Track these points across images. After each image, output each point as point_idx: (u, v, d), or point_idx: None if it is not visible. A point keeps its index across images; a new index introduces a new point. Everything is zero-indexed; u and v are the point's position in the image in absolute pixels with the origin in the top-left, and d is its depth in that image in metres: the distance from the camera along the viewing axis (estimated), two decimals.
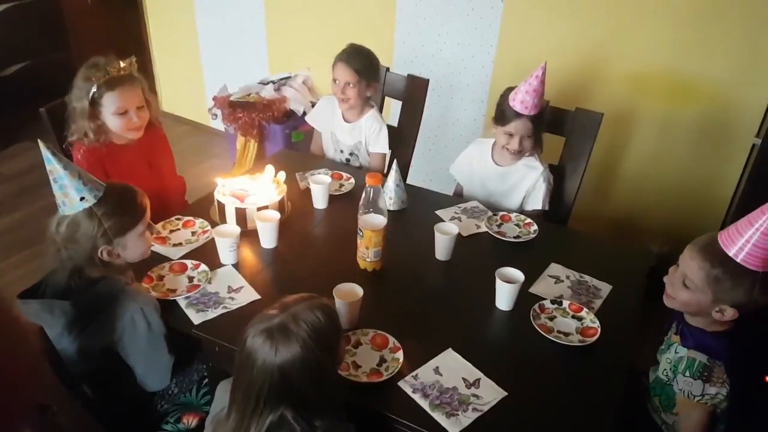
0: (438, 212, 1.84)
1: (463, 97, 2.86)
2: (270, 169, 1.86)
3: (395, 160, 1.85)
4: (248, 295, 1.46)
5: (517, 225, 1.77)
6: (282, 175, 1.85)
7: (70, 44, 4.05)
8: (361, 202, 1.52)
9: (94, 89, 1.71)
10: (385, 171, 2.25)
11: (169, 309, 1.40)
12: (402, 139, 2.26)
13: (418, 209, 1.88)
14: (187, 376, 1.48)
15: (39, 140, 1.24)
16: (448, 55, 2.82)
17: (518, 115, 1.83)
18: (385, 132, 2.18)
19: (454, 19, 2.73)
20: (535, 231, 1.72)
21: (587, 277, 1.54)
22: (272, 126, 3.14)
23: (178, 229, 1.72)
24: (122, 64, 1.75)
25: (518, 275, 1.41)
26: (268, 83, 3.28)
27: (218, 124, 3.51)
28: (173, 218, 1.75)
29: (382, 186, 1.60)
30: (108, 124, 1.77)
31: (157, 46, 3.93)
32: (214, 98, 3.28)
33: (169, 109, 4.07)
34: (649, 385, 1.42)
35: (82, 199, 1.28)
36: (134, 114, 1.77)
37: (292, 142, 3.17)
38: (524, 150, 1.90)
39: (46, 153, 1.24)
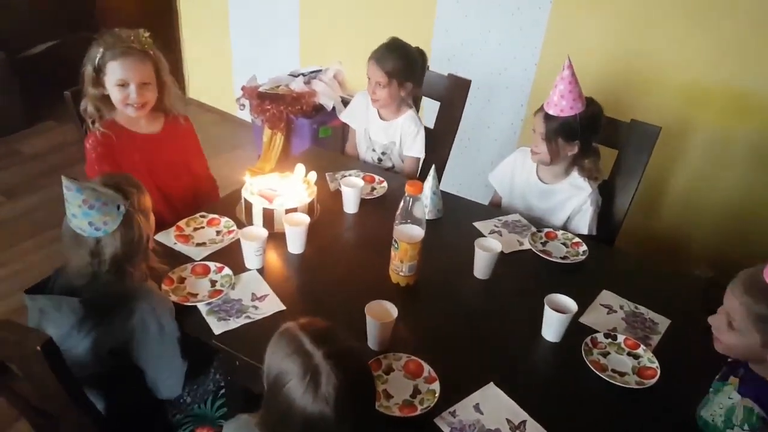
0: (476, 224, 1.72)
1: (501, 100, 2.73)
2: (300, 168, 1.75)
3: (433, 166, 1.73)
4: (273, 304, 1.36)
5: (564, 244, 1.65)
6: (312, 175, 1.74)
7: (98, 24, 3.98)
8: (398, 212, 1.41)
9: (99, 55, 1.60)
10: (417, 175, 2.14)
11: (188, 315, 1.31)
12: (437, 142, 2.14)
13: (454, 219, 1.76)
14: (201, 386, 1.39)
15: (63, 176, 1.16)
16: (488, 55, 2.69)
17: (541, 110, 1.71)
18: (422, 136, 2.07)
19: (498, 18, 2.60)
20: (584, 252, 1.59)
21: (642, 309, 1.41)
22: (300, 120, 3.05)
23: (203, 228, 1.63)
24: (131, 36, 1.62)
25: (570, 305, 1.29)
26: (298, 75, 3.19)
27: (245, 115, 3.43)
28: (197, 215, 1.66)
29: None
30: (110, 94, 1.65)
31: (187, 31, 3.85)
32: (243, 88, 3.20)
33: (195, 96, 4.00)
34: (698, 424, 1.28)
35: (118, 208, 1.20)
36: (134, 89, 1.62)
37: (320, 138, 3.08)
38: (541, 155, 1.76)
39: (71, 184, 1.16)
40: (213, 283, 1.41)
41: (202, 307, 1.33)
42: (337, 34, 3.18)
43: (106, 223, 1.18)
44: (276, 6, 3.33)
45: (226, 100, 3.75)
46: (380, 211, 1.79)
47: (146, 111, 1.70)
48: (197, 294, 1.37)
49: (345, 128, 2.30)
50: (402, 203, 1.40)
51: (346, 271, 1.53)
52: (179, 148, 1.83)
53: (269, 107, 3.03)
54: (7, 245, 2.58)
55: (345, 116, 2.23)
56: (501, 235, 1.68)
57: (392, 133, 2.09)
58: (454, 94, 2.12)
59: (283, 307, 1.35)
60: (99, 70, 1.61)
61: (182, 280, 1.41)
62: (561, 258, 1.58)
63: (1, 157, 3.24)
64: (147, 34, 1.67)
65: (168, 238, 1.56)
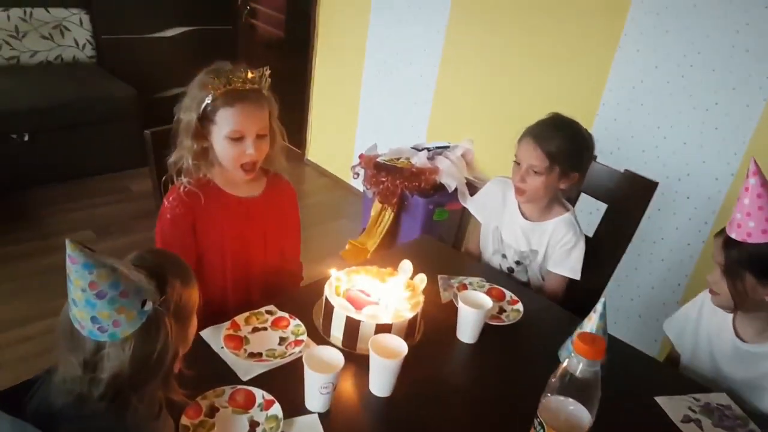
0: (659, 400, 1.12)
1: (678, 212, 2.12)
2: (407, 267, 1.29)
3: (603, 301, 1.17)
4: None
5: None
6: (422, 280, 1.26)
7: None
8: (553, 377, 0.87)
9: (208, 100, 1.23)
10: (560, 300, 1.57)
11: None
12: (600, 259, 1.58)
13: (626, 384, 1.16)
14: None
15: (67, 240, 0.75)
16: (666, 155, 2.12)
17: (723, 235, 1.19)
18: (581, 250, 1.52)
19: (686, 112, 2.04)
20: None
21: None
22: (415, 197, 2.65)
23: (264, 329, 1.19)
24: (249, 74, 1.25)
25: None
26: (422, 150, 2.82)
27: (358, 184, 3.11)
28: (263, 310, 1.23)
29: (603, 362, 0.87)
30: (216, 149, 1.28)
31: (318, 92, 3.69)
32: (361, 156, 2.89)
33: (314, 159, 3.79)
34: None
35: (143, 304, 0.78)
36: (251, 143, 1.26)
37: (433, 220, 2.65)
38: (721, 297, 1.19)
39: (81, 256, 0.75)
40: (253, 426, 0.95)
41: None
42: (473, 111, 2.79)
43: (118, 324, 0.77)
44: (412, 75, 3.03)
45: (343, 167, 3.48)
46: (511, 348, 1.26)
47: (256, 169, 1.31)
48: None
49: (464, 214, 1.82)
50: (565, 365, 0.86)
51: None
52: (278, 216, 1.42)
53: (384, 179, 2.68)
54: None
55: (472, 205, 1.75)
56: (700, 427, 1.06)
57: (537, 239, 1.56)
58: (630, 197, 1.57)
59: None
60: (205, 118, 1.25)
61: (213, 411, 0.96)
62: None
63: (108, 191, 3.15)
64: (267, 71, 1.29)
65: (216, 337, 1.13)
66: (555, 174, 1.46)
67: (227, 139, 1.24)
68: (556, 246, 1.53)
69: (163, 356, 0.79)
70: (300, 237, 1.52)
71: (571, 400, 0.86)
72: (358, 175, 2.92)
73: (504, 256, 1.63)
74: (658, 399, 1.13)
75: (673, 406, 1.12)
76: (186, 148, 1.27)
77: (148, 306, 0.78)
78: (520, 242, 1.59)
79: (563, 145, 1.44)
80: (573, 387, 0.85)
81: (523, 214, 1.58)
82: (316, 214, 3.13)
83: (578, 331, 1.18)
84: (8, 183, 2.92)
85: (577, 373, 0.84)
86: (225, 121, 1.24)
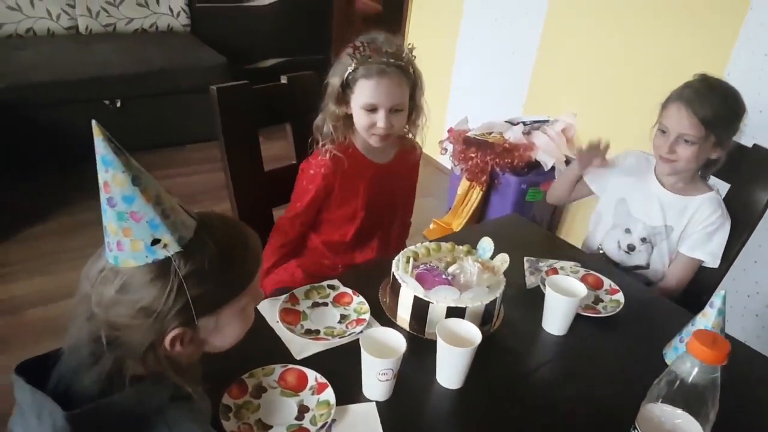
0: None
1: None
2: (487, 245, 1.14)
3: (724, 292, 0.96)
4: None
5: None
6: (503, 260, 1.11)
7: (330, 49, 3.93)
8: (658, 380, 0.70)
9: (350, 69, 1.28)
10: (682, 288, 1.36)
11: None
12: None
13: (741, 393, 0.96)
14: None
15: (94, 122, 0.67)
16: None
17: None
18: (725, 235, 1.34)
19: None
20: None
21: None
22: (506, 176, 2.46)
23: (325, 305, 1.10)
24: (393, 50, 1.27)
25: None
26: (517, 124, 2.61)
27: (446, 161, 2.96)
28: (326, 283, 1.14)
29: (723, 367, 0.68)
30: (354, 116, 1.34)
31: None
32: (450, 130, 2.74)
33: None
34: None
35: (156, 242, 0.67)
36: (383, 116, 1.29)
37: (526, 201, 2.46)
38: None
39: (103, 146, 0.67)
40: (302, 410, 0.86)
41: None
42: (578, 81, 2.51)
43: (121, 248, 0.66)
44: (513, 39, 2.80)
45: (432, 142, 3.31)
46: (607, 343, 1.09)
47: (389, 140, 1.37)
48: (271, 427, 0.83)
49: None
50: (674, 368, 0.68)
51: None
52: (404, 183, 1.51)
53: (473, 156, 2.51)
54: None
55: (592, 179, 1.52)
56: None
57: (677, 214, 1.37)
58: (758, 177, 1.32)
59: None
60: (347, 86, 1.31)
61: (260, 391, 0.88)
62: None
63: (197, 161, 3.19)
64: (411, 46, 1.34)
65: (272, 310, 1.05)
66: (709, 144, 1.28)
67: (362, 109, 1.30)
68: (698, 225, 1.35)
69: (144, 314, 0.67)
70: (415, 192, 1.57)
71: (679, 410, 0.69)
72: (446, 150, 2.78)
73: (628, 230, 1.43)
74: None
75: None
76: (329, 113, 1.33)
77: (159, 247, 0.66)
78: (653, 216, 1.40)
79: (720, 110, 1.25)
80: (683, 395, 0.68)
81: (663, 185, 1.40)
82: None
83: (690, 328, 0.99)
84: None
85: (690, 379, 0.67)
86: (362, 92, 1.29)
